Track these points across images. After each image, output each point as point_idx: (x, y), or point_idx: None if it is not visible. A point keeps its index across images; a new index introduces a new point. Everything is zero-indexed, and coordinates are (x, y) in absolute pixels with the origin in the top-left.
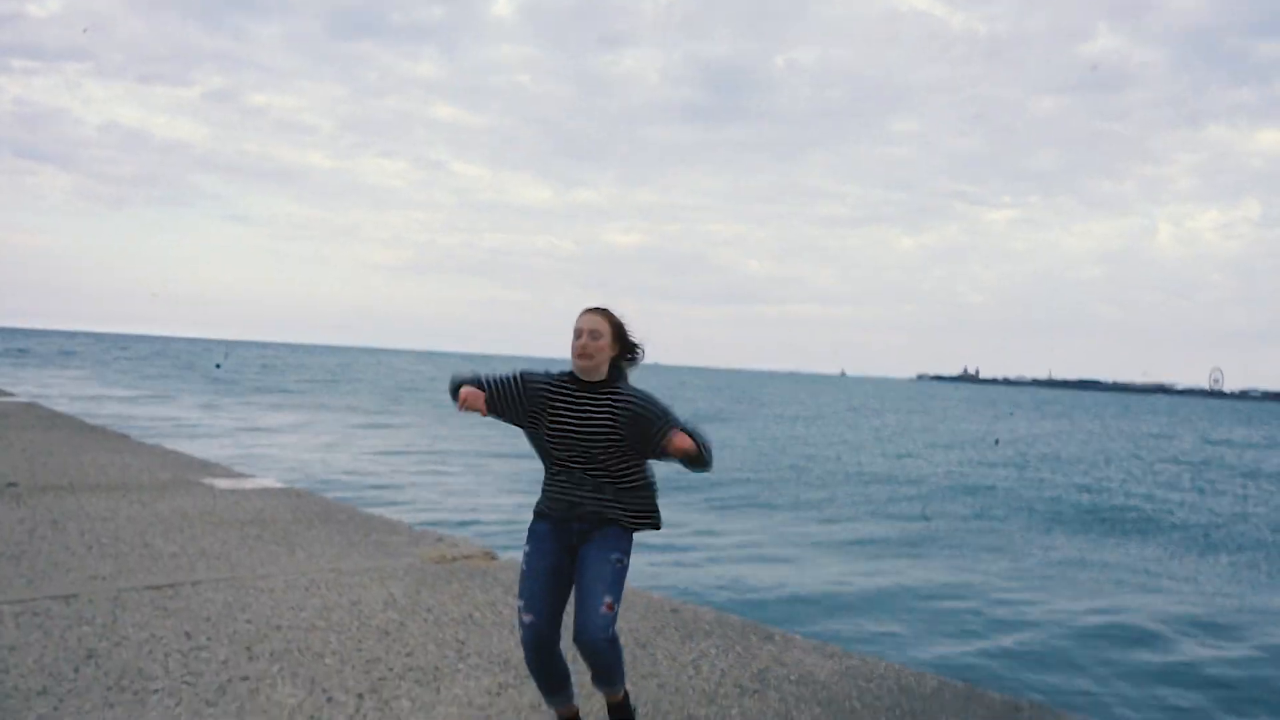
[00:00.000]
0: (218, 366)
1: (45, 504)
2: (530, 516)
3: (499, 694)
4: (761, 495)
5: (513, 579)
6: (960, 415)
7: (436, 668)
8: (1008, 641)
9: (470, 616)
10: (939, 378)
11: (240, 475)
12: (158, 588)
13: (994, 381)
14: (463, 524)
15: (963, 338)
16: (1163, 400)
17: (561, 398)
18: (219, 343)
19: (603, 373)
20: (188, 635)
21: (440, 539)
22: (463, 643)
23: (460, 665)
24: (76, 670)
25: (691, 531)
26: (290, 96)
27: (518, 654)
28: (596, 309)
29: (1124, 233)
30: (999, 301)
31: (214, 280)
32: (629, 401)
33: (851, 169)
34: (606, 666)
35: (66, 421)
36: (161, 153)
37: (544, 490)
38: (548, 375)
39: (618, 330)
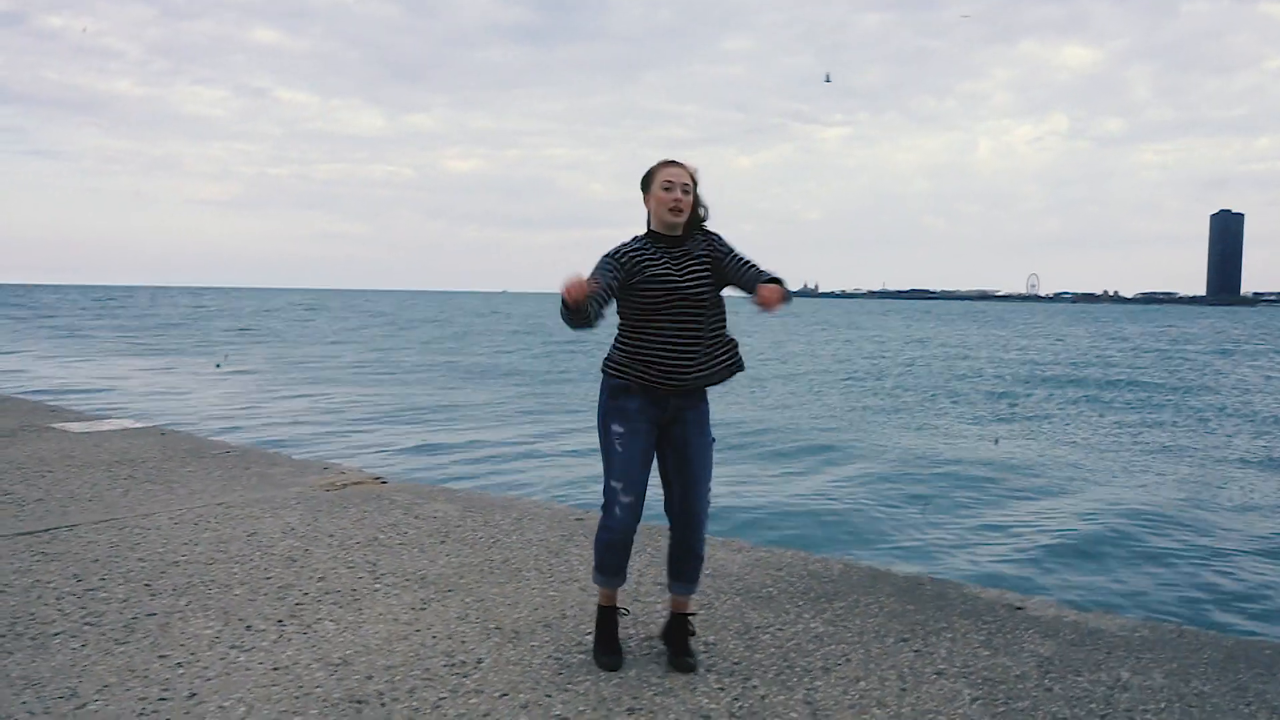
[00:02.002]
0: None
1: None
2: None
3: (423, 609)
4: None
5: (411, 501)
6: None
7: (353, 590)
8: (906, 533)
9: (375, 539)
10: None
11: (93, 418)
12: (31, 533)
13: (832, 295)
14: (341, 454)
15: (801, 253)
16: (995, 306)
17: (655, 256)
18: (44, 288)
19: (682, 229)
20: (77, 578)
21: (326, 467)
22: (374, 564)
23: (377, 585)
24: None
25: (582, 443)
26: (89, 18)
27: (434, 570)
28: (676, 162)
29: (948, 147)
30: (834, 217)
31: (23, 221)
32: (713, 242)
33: (688, 89)
34: (703, 555)
35: None
36: None
37: (634, 359)
38: (630, 244)
39: (695, 184)
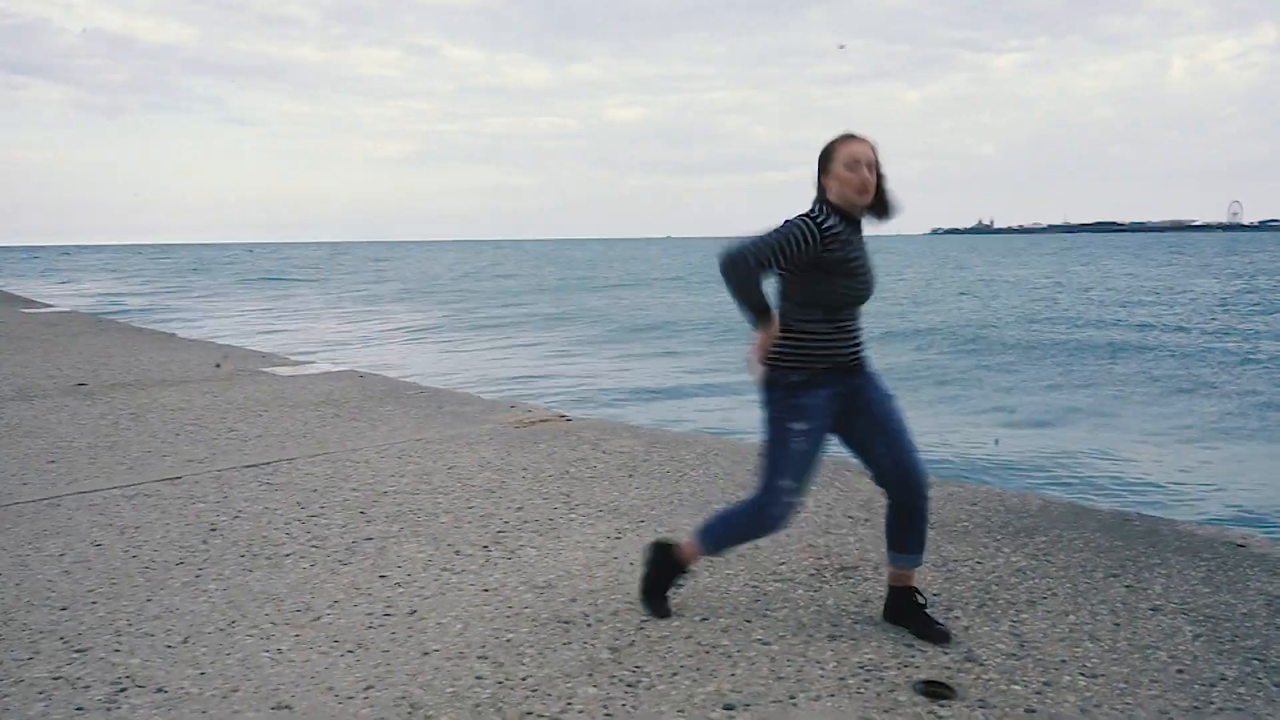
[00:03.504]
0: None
1: (119, 400)
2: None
3: (619, 538)
4: None
5: (597, 437)
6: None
7: (550, 519)
8: (1101, 471)
9: (566, 473)
10: (953, 231)
11: (298, 363)
12: (256, 466)
13: (1008, 231)
14: (524, 395)
15: (975, 189)
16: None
17: (852, 240)
18: (240, 246)
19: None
20: (300, 505)
21: (513, 406)
22: (568, 495)
23: (572, 516)
24: (205, 542)
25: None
26: None
27: (625, 502)
28: (858, 137)
29: (1136, 70)
30: (1010, 150)
31: (222, 185)
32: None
33: (851, 23)
34: (926, 518)
35: (112, 325)
36: (150, 57)
37: (823, 343)
38: (824, 218)
39: (878, 163)
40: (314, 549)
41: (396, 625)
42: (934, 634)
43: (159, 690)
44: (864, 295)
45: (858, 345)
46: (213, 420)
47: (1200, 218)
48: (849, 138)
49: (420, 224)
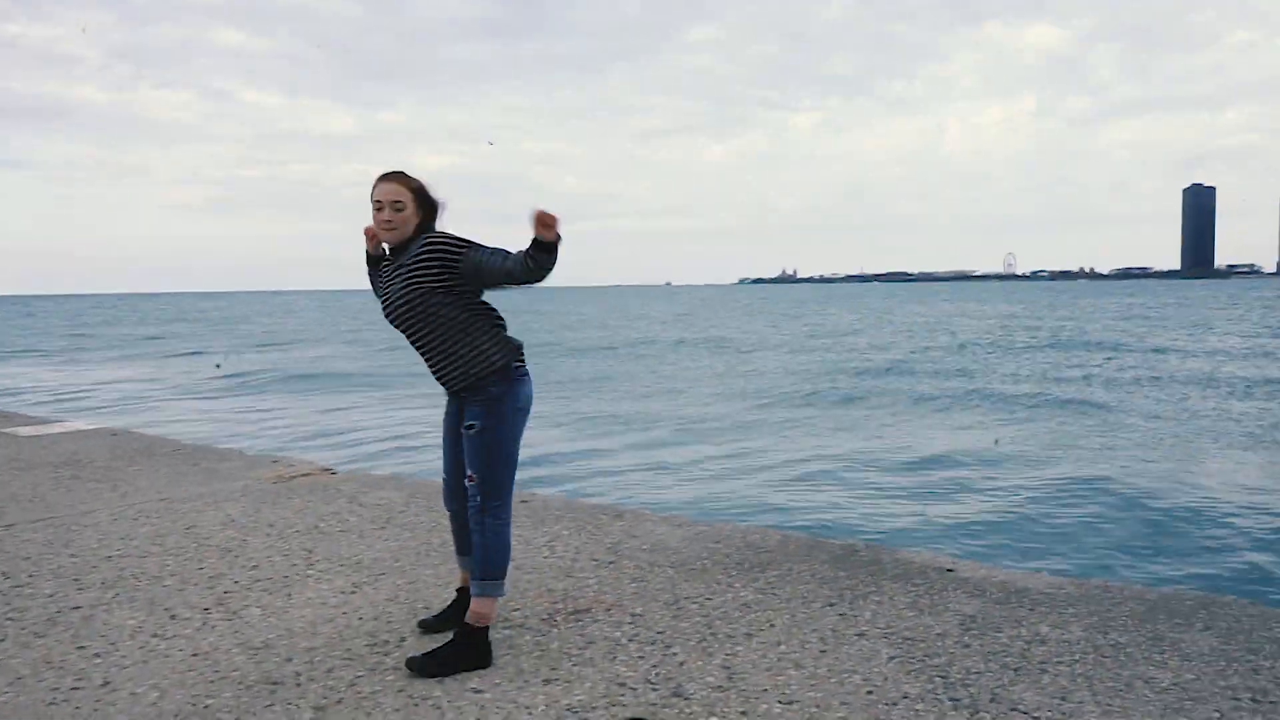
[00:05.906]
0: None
1: None
2: None
3: (353, 593)
4: (604, 384)
5: (357, 490)
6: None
7: (285, 577)
8: (844, 499)
9: (316, 527)
10: (760, 280)
11: (44, 421)
12: None
13: (811, 280)
14: (296, 449)
15: (780, 240)
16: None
17: (383, 270)
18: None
19: (410, 237)
20: (5, 576)
21: (276, 460)
22: (310, 551)
23: (310, 572)
24: None
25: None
26: (47, 26)
27: (370, 555)
28: (391, 174)
29: (920, 131)
30: (809, 204)
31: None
32: (438, 244)
33: (656, 80)
34: (479, 547)
35: None
36: None
37: None
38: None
39: (419, 193)
40: (9, 622)
41: (83, 700)
42: (418, 663)
43: None
44: (390, 320)
45: (439, 368)
46: None
47: (980, 268)
48: (382, 177)
49: (219, 274)
